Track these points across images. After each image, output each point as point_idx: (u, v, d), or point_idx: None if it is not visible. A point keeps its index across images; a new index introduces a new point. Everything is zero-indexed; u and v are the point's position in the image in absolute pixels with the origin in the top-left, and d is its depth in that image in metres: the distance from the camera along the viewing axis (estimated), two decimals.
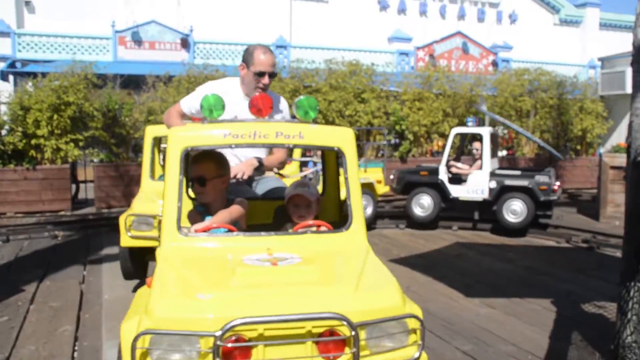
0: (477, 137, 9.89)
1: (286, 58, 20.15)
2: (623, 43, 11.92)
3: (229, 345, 2.27)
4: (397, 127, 14.84)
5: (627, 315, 3.71)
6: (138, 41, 19.95)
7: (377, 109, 14.56)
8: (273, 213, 3.55)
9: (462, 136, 10.70)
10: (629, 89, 5.03)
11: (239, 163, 3.85)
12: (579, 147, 17.35)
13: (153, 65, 15.84)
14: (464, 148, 11.81)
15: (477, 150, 9.80)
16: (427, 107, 15.07)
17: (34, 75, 12.86)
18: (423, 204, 9.61)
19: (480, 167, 9.49)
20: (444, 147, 15.66)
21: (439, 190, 9.56)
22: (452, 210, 9.71)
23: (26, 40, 19.22)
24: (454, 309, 5.36)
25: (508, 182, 9.32)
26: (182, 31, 20.28)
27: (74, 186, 12.75)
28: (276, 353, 2.37)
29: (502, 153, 16.92)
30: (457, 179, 9.65)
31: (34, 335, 4.66)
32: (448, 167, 9.69)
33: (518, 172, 9.73)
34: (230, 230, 3.06)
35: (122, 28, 19.68)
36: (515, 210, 9.16)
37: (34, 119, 11.50)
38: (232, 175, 3.52)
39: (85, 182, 13.43)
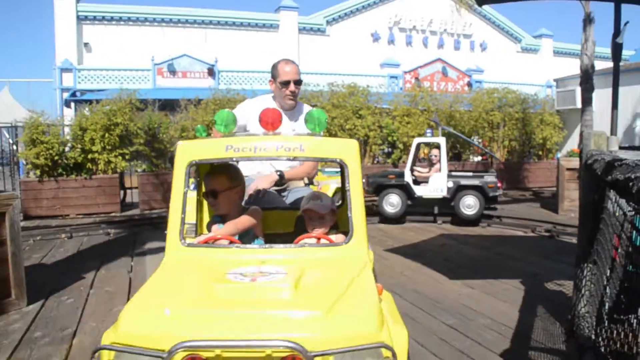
0: (435, 145, 10.20)
1: None
2: (573, 67, 11.93)
3: None
4: (390, 139, 14.90)
5: (581, 291, 3.74)
6: (172, 71, 20.08)
7: (372, 123, 14.57)
8: (294, 222, 3.14)
9: (418, 145, 10.59)
10: (579, 104, 5.09)
11: (263, 175, 3.50)
12: (540, 153, 17.34)
13: (185, 90, 15.91)
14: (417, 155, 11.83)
15: (435, 156, 10.04)
16: (414, 121, 15.08)
17: (90, 102, 12.95)
18: (392, 203, 9.66)
19: (439, 170, 9.73)
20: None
21: (405, 190, 9.62)
22: (416, 207, 9.80)
23: (84, 74, 19.43)
24: (440, 290, 5.37)
25: (463, 181, 9.62)
26: (209, 62, 20.37)
27: (122, 192, 12.82)
28: None
29: (477, 159, 16.92)
30: (419, 181, 9.82)
31: (94, 314, 4.71)
32: (411, 170, 9.82)
33: (470, 174, 10.10)
34: (232, 242, 2.66)
35: (160, 61, 19.82)
36: (470, 204, 9.45)
37: (90, 138, 11.58)
38: (251, 188, 3.24)
39: (131, 188, 13.49)
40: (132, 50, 19.99)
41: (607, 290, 2.89)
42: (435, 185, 9.62)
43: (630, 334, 2.34)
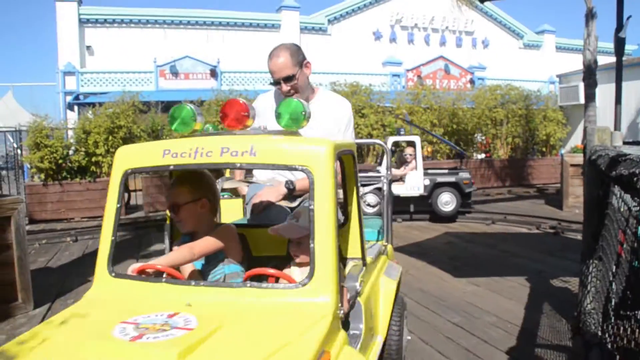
0: (410, 144, 10.19)
1: None
2: (575, 62, 11.89)
3: None
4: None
5: (587, 287, 3.73)
6: (175, 73, 20.09)
7: (375, 122, 14.57)
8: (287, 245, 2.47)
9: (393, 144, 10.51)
10: (582, 100, 5.08)
11: (271, 185, 2.94)
12: (544, 149, 17.31)
13: (187, 92, 15.96)
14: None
15: (410, 155, 9.98)
16: (417, 119, 15.06)
17: (93, 105, 13.01)
18: (370, 202, 9.68)
19: (414, 169, 9.74)
20: (432, 152, 15.77)
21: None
22: (394, 205, 9.76)
23: (87, 77, 19.47)
24: (445, 288, 5.37)
25: (439, 179, 9.80)
26: (211, 63, 20.37)
27: (126, 194, 12.84)
28: None
29: (481, 156, 16.88)
30: (394, 180, 9.73)
31: None
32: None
33: (445, 171, 10.27)
34: (171, 275, 2.11)
35: (162, 63, 19.83)
36: (447, 201, 9.65)
37: (94, 141, 11.62)
38: (254, 201, 2.84)
39: (135, 190, 13.51)
40: (134, 53, 20.02)
41: (613, 286, 2.88)
42: (412, 183, 9.68)
43: (637, 330, 2.33)
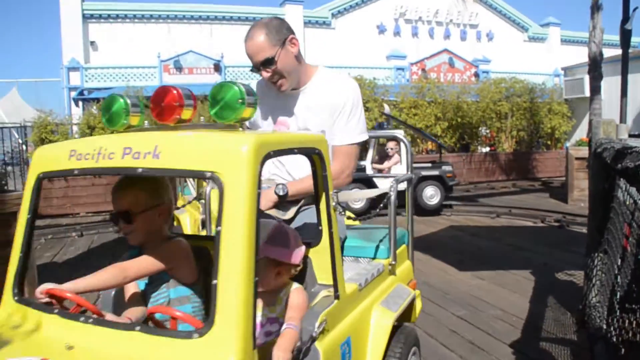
0: (391, 138, 9.84)
1: None
2: (581, 55, 11.82)
3: None
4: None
5: (592, 281, 3.73)
6: (179, 68, 20.11)
7: (379, 115, 14.55)
8: None
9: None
10: (587, 93, 5.06)
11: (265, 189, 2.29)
12: (549, 142, 17.27)
13: (191, 87, 15.60)
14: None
15: (391, 149, 9.82)
16: (422, 112, 15.06)
17: (97, 100, 13.06)
18: (356, 198, 9.57)
19: (398, 162, 9.57)
20: (437, 146, 15.75)
21: (368, 184, 9.31)
22: (377, 200, 9.72)
23: (91, 73, 19.51)
24: (450, 281, 5.37)
25: (424, 172, 9.81)
26: (215, 58, 20.37)
27: None
28: None
29: (486, 149, 16.85)
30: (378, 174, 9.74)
31: None
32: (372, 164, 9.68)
33: (429, 165, 10.26)
34: (80, 305, 1.71)
35: (166, 58, 19.85)
36: (432, 194, 9.70)
37: (99, 135, 11.67)
38: None
39: None
40: (138, 48, 20.04)
41: (619, 279, 2.88)
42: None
43: None
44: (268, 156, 1.59)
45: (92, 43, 20.36)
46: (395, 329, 2.40)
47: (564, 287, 5.02)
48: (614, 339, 2.72)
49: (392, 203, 2.66)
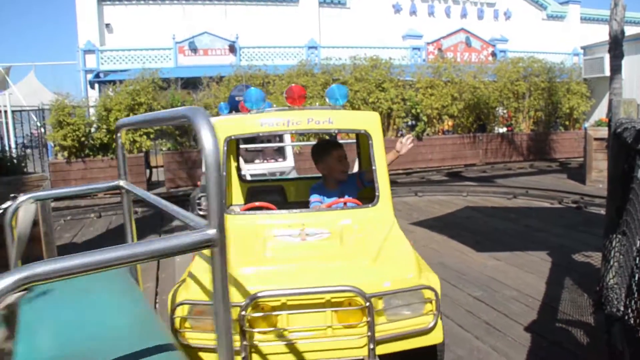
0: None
1: (317, 57, 20.06)
2: (601, 33, 11.58)
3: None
4: (413, 111, 14.76)
5: (609, 262, 3.70)
6: (194, 49, 20.08)
7: (395, 96, 14.44)
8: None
9: None
10: (607, 72, 4.93)
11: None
12: (567, 123, 17.03)
13: (207, 68, 15.93)
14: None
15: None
16: (438, 92, 14.90)
17: (113, 82, 13.09)
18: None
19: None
20: (453, 126, 15.63)
21: None
22: None
23: (107, 55, 19.58)
24: (466, 262, 5.37)
25: None
26: (230, 39, 20.29)
27: (148, 171, 12.99)
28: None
29: (502, 130, 16.68)
30: None
31: None
32: None
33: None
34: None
35: (181, 39, 19.82)
36: None
37: (115, 118, 11.72)
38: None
39: (157, 167, 13.67)
40: (153, 30, 20.00)
41: (638, 261, 2.85)
42: None
43: None
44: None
45: (108, 25, 20.37)
46: None
47: (580, 269, 5.00)
48: (632, 321, 2.71)
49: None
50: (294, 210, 2.89)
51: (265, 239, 2.51)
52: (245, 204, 3.59)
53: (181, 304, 2.21)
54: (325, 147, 3.41)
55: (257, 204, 3.00)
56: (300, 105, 2.99)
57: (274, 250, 2.40)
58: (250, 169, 7.64)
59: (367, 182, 3.36)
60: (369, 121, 2.96)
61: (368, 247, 2.43)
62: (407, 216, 7.82)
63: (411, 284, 2.24)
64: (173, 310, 2.22)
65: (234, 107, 5.68)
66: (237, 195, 3.88)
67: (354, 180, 3.48)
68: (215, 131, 2.65)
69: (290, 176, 7.75)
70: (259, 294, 2.04)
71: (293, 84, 3.15)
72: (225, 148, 2.89)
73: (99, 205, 9.63)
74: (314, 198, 3.33)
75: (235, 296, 2.10)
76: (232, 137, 2.92)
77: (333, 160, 3.32)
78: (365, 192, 3.44)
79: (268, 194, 3.81)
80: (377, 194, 2.83)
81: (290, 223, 2.72)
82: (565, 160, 15.51)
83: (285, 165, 8.51)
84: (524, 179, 11.90)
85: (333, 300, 2.13)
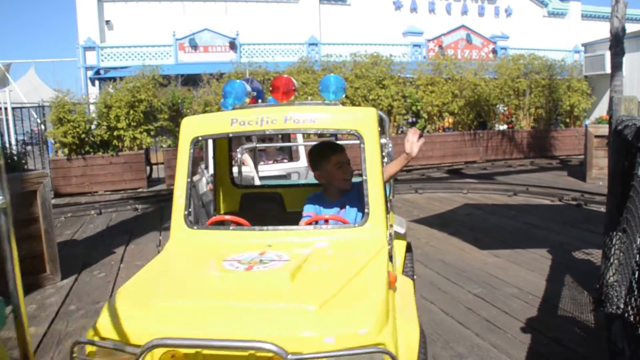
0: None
1: (317, 53, 20.06)
2: (602, 30, 11.56)
3: None
4: (414, 108, 14.76)
5: (610, 260, 3.70)
6: (194, 46, 20.05)
7: (395, 93, 14.42)
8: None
9: None
10: (608, 70, 4.94)
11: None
12: (567, 120, 17.02)
13: (207, 65, 15.92)
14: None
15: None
16: (438, 90, 14.89)
17: (113, 79, 13.08)
18: None
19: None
20: (453, 123, 15.62)
21: None
22: None
23: (107, 52, 19.57)
24: (466, 259, 5.37)
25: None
26: (230, 35, 20.27)
27: (148, 168, 12.98)
28: None
29: (503, 127, 16.67)
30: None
31: None
32: None
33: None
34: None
35: (181, 36, 19.80)
36: None
37: (115, 115, 11.72)
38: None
39: (157, 164, 13.68)
40: (153, 26, 19.98)
41: (638, 258, 2.85)
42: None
43: None
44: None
45: (108, 22, 20.35)
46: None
47: (581, 266, 5.00)
48: (632, 319, 2.71)
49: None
50: (265, 228, 2.43)
51: (207, 265, 2.07)
52: (239, 211, 3.25)
53: (79, 343, 1.79)
54: (322, 151, 2.90)
55: (227, 217, 2.65)
56: (287, 100, 2.56)
57: (206, 283, 1.96)
58: (263, 171, 7.12)
59: None
60: (360, 119, 2.45)
61: (326, 284, 1.94)
62: (407, 213, 7.82)
63: (363, 342, 1.67)
64: (71, 351, 1.77)
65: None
66: (230, 202, 3.46)
67: (359, 189, 2.89)
68: (181, 132, 2.54)
69: (304, 179, 7.24)
70: (155, 342, 1.62)
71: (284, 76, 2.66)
72: (192, 150, 2.55)
73: (100, 202, 9.64)
74: (307, 211, 2.88)
75: (136, 337, 1.73)
76: (200, 138, 2.54)
77: (332, 166, 2.83)
78: None
79: (263, 202, 3.42)
80: (366, 210, 2.36)
81: (254, 243, 2.30)
82: (565, 157, 15.50)
83: (299, 166, 7.80)
84: (525, 176, 11.90)
85: (257, 353, 1.66)
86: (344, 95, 2.58)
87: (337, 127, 2.54)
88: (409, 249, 3.53)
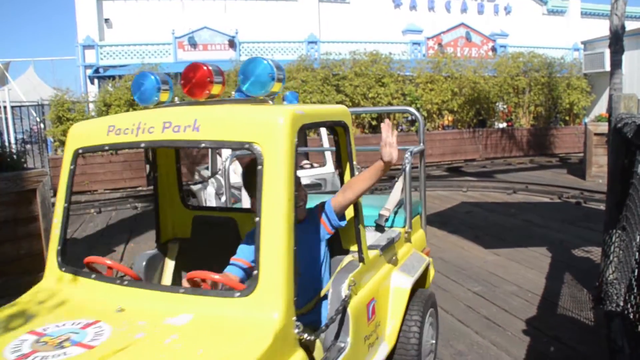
0: None
1: (317, 52, 20.02)
2: (601, 28, 11.56)
3: None
4: (413, 106, 14.74)
5: (609, 257, 3.70)
6: (193, 44, 20.03)
7: (395, 91, 14.43)
8: None
9: None
10: (607, 67, 4.92)
11: None
12: (567, 118, 17.02)
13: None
14: None
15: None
16: (438, 88, 14.90)
17: (113, 77, 13.09)
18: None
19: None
20: (453, 121, 15.62)
21: None
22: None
23: (106, 50, 19.54)
24: (466, 257, 5.38)
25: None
26: (229, 33, 20.24)
27: (147, 166, 12.97)
28: None
29: (503, 125, 16.67)
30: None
31: None
32: None
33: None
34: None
35: (180, 34, 19.77)
36: None
37: (115, 113, 11.73)
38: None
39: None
40: (152, 25, 19.96)
41: (638, 256, 2.86)
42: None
43: None
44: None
45: (107, 20, 20.33)
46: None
47: (580, 264, 5.00)
48: (631, 316, 2.71)
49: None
50: (127, 283, 1.82)
51: (9, 337, 1.58)
52: (191, 237, 2.64)
53: None
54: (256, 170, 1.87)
55: (107, 262, 2.01)
56: (202, 97, 1.89)
57: None
58: None
59: (339, 218, 2.18)
60: (262, 130, 1.63)
61: None
62: None
63: None
64: None
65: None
66: (181, 226, 2.75)
67: (316, 216, 2.22)
68: (66, 141, 2.03)
69: (331, 187, 6.24)
70: None
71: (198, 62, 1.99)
72: (73, 166, 2.02)
73: (99, 201, 9.64)
74: (239, 254, 2.16)
75: None
76: (81, 151, 2.00)
77: None
78: (348, 237, 2.29)
79: (216, 227, 2.64)
80: (255, 271, 1.58)
81: (101, 306, 1.73)
82: (565, 155, 15.50)
83: (326, 172, 6.61)
84: (524, 174, 11.90)
85: None
86: (277, 89, 1.82)
87: (227, 138, 1.70)
88: (432, 304, 2.86)
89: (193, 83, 1.87)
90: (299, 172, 6.37)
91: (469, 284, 4.53)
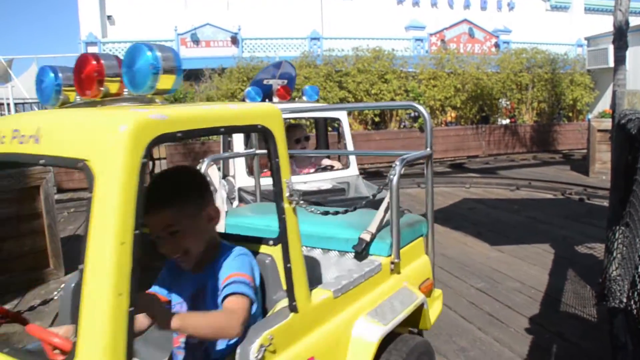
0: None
1: (320, 48, 20.00)
2: (605, 24, 11.49)
3: None
4: (416, 102, 14.72)
5: (612, 254, 3.70)
6: (196, 41, 20.04)
7: (398, 87, 14.42)
8: None
9: None
10: (611, 63, 4.91)
11: None
12: (570, 114, 16.99)
13: (209, 60, 15.90)
14: None
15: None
16: (441, 84, 14.88)
17: None
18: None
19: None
20: (456, 117, 15.59)
21: None
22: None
23: (109, 47, 19.54)
24: (469, 253, 5.37)
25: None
26: (232, 30, 20.24)
27: (150, 163, 12.99)
28: None
29: (505, 121, 16.64)
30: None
31: None
32: None
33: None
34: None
35: (183, 31, 19.79)
36: None
37: None
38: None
39: (159, 159, 13.69)
40: (155, 21, 19.98)
41: None
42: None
43: None
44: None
45: (109, 17, 20.37)
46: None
47: (583, 261, 5.00)
48: (635, 313, 2.71)
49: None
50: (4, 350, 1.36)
51: None
52: (149, 261, 1.81)
53: None
54: (157, 193, 1.68)
55: (55, 339, 1.29)
56: (93, 95, 1.45)
57: None
58: (299, 181, 4.79)
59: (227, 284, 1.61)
60: (95, 140, 1.22)
61: None
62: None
63: None
64: None
65: (266, 93, 4.57)
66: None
67: (229, 253, 1.73)
68: None
69: (354, 193, 4.82)
70: None
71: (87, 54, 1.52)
72: None
73: None
74: (152, 292, 1.79)
75: None
76: None
77: (156, 228, 1.67)
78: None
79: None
80: (76, 329, 1.17)
81: None
82: (568, 151, 15.47)
83: (349, 175, 5.25)
84: (527, 170, 11.88)
85: None
86: (168, 84, 1.48)
87: (63, 153, 1.25)
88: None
89: (81, 79, 1.44)
90: (318, 175, 5.06)
91: (472, 280, 4.53)
